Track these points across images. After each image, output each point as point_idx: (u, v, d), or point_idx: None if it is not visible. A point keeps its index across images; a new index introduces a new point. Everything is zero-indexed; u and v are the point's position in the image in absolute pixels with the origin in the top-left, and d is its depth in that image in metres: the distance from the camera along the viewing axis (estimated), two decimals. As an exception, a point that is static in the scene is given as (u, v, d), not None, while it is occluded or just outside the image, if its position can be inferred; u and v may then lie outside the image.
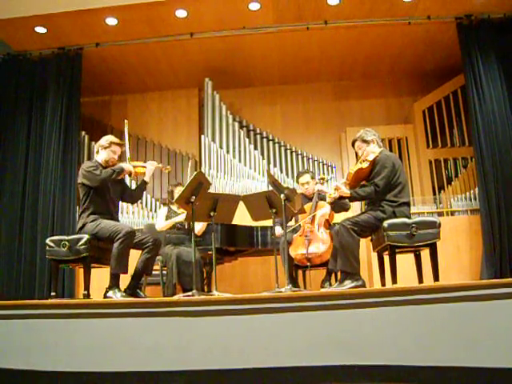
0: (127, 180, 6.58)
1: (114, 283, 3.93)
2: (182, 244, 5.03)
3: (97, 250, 4.04)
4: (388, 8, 6.39)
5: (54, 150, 6.62)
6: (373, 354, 2.69)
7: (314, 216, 4.77)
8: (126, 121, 4.57)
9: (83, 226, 4.04)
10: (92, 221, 4.02)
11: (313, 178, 5.11)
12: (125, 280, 4.15)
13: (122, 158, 4.40)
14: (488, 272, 5.93)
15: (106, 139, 4.27)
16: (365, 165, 3.98)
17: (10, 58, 7.09)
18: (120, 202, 4.47)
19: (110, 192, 4.16)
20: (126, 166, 4.22)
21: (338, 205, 4.40)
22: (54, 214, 6.45)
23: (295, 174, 6.32)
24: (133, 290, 4.10)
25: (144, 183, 4.39)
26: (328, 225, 4.84)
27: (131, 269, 4.18)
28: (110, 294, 3.88)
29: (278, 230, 4.87)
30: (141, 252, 4.21)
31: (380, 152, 4.03)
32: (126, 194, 4.41)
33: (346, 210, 4.70)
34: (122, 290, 4.00)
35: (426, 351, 2.66)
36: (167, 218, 5.18)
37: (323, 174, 7.67)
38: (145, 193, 7.13)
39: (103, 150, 4.24)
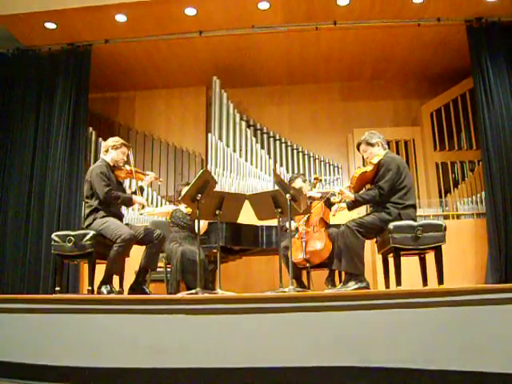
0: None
1: (107, 279, 4.00)
2: (187, 241, 5.03)
3: (102, 246, 4.07)
4: (397, 10, 6.36)
5: (62, 145, 6.64)
6: (376, 357, 2.68)
7: (308, 217, 4.80)
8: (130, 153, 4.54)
9: (93, 221, 4.08)
10: (102, 217, 4.06)
11: (305, 181, 5.14)
12: (130, 276, 4.18)
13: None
14: (493, 276, 5.90)
15: (116, 140, 4.33)
16: (369, 168, 3.97)
17: (20, 53, 7.12)
18: None
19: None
20: (138, 199, 4.27)
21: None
22: (60, 209, 6.48)
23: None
24: (139, 286, 4.14)
25: (141, 189, 4.45)
26: (324, 223, 4.87)
27: (136, 265, 4.21)
28: (102, 288, 3.95)
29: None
30: (145, 247, 4.23)
31: (385, 154, 4.01)
32: None
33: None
34: (128, 286, 4.07)
35: (430, 354, 2.65)
36: (171, 217, 5.21)
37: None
38: (151, 190, 7.23)
39: (113, 150, 4.28)
